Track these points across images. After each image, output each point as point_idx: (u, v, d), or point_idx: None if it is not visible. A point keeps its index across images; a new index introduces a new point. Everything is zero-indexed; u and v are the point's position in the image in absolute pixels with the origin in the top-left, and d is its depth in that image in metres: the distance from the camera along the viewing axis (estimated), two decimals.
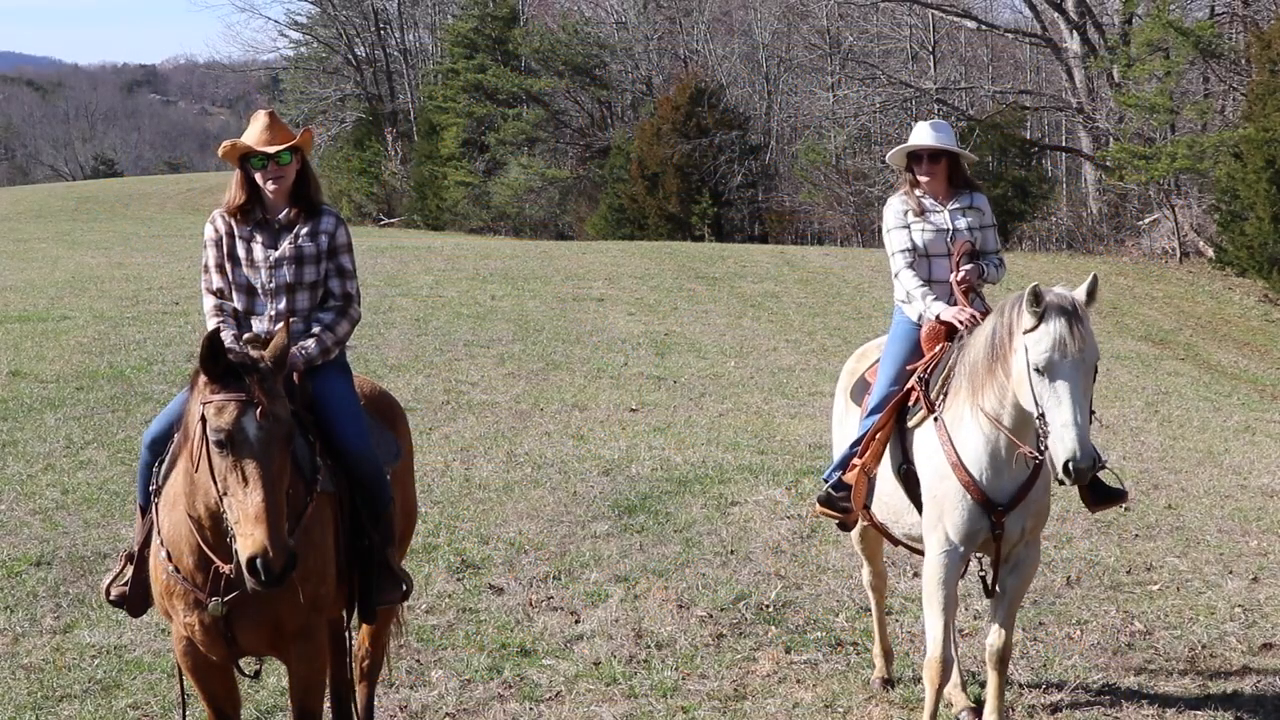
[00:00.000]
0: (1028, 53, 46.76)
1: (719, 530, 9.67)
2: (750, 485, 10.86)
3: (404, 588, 5.63)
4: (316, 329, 5.53)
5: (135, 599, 5.45)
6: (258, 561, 4.51)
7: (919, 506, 6.22)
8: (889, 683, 7.03)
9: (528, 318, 19.79)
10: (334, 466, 5.37)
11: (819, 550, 9.23)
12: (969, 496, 5.92)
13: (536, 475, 11.08)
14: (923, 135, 6.58)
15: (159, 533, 5.11)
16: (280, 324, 4.99)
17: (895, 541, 6.74)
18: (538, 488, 10.71)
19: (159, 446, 5.28)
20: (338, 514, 5.36)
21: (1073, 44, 38.97)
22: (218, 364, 4.72)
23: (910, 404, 6.29)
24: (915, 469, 6.22)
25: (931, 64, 45.78)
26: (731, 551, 9.18)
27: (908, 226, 6.53)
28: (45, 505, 9.94)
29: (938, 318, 6.29)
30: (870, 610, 7.32)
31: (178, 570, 5.00)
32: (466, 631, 7.67)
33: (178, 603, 5.04)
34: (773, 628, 7.78)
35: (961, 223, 6.51)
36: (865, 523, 6.76)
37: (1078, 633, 7.77)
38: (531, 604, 8.12)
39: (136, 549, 5.43)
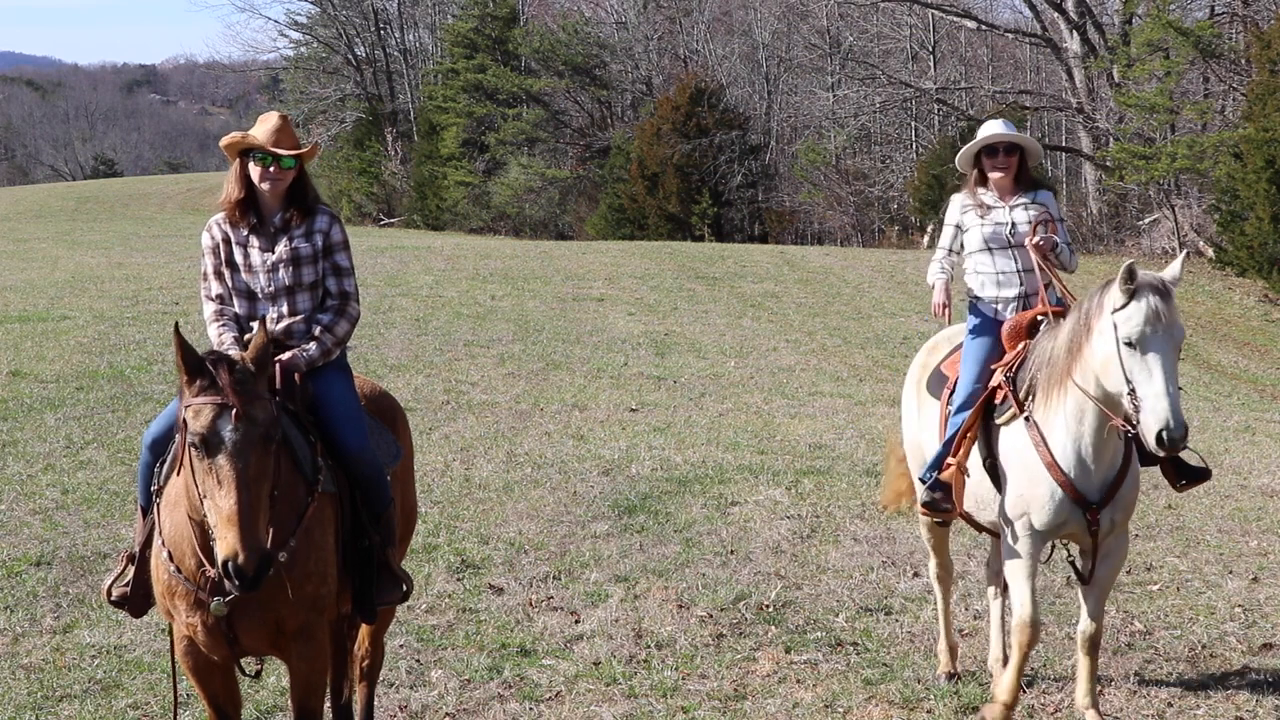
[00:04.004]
0: (1028, 53, 46.77)
1: (719, 530, 9.67)
2: (750, 485, 10.86)
3: (404, 588, 5.63)
4: (316, 330, 5.52)
5: (136, 599, 5.45)
6: (229, 565, 4.53)
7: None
8: (954, 677, 7.05)
9: (528, 318, 19.79)
10: (334, 467, 5.37)
11: (819, 550, 9.24)
12: (1063, 495, 6.04)
13: (536, 475, 11.08)
14: (997, 128, 6.69)
15: (161, 533, 5.11)
16: (259, 327, 4.98)
17: (979, 528, 6.84)
18: (538, 488, 10.71)
19: (160, 447, 5.28)
20: (338, 514, 5.36)
21: (1073, 44, 38.97)
22: (189, 361, 4.73)
23: (998, 402, 6.34)
24: (1001, 464, 6.29)
25: (931, 64, 45.80)
26: (731, 551, 9.18)
27: (959, 225, 6.73)
28: (45, 505, 9.94)
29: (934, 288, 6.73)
30: (935, 602, 7.37)
31: (179, 571, 5.00)
32: (466, 631, 7.67)
33: (180, 603, 5.04)
34: (773, 628, 7.78)
35: (1021, 215, 6.62)
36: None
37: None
38: (531, 604, 8.12)
39: (137, 549, 5.43)
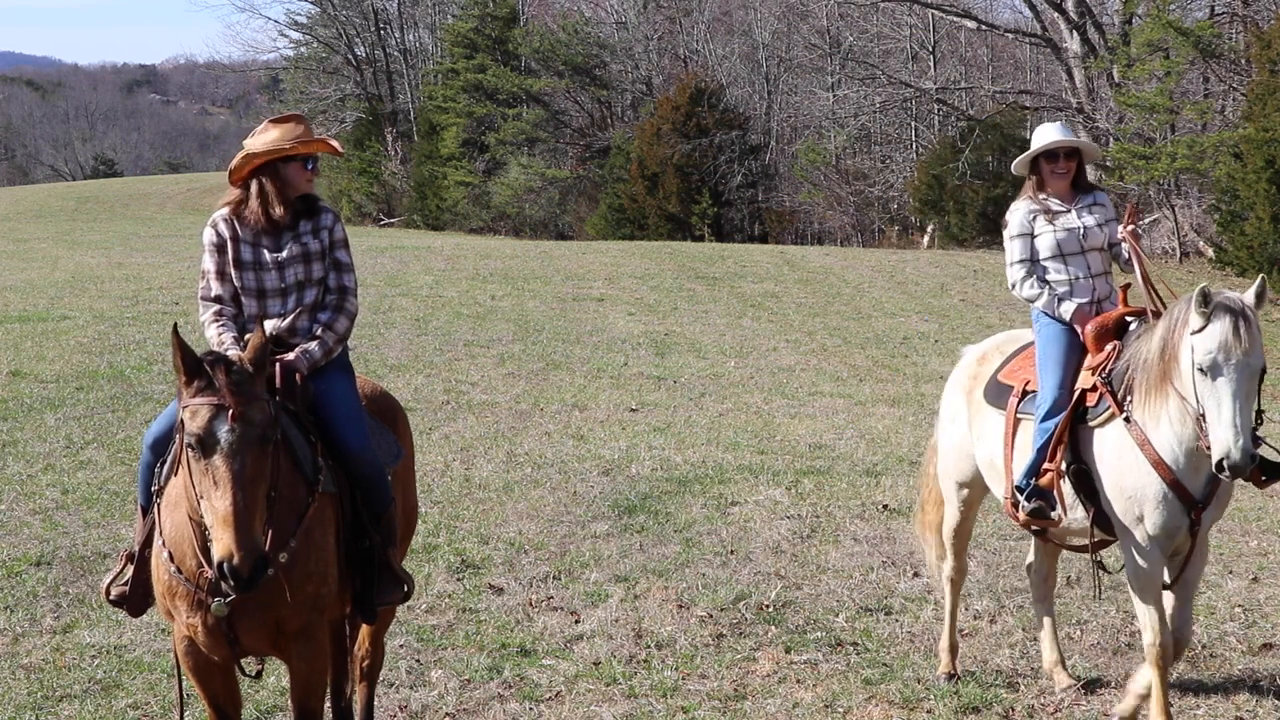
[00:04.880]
0: (1028, 53, 46.73)
1: (719, 530, 9.67)
2: (750, 485, 10.86)
3: (405, 588, 5.63)
4: (317, 329, 5.53)
5: (135, 599, 5.45)
6: (224, 566, 4.54)
7: (1086, 505, 6.27)
8: (954, 677, 7.03)
9: (528, 318, 19.80)
10: (335, 467, 5.37)
11: (819, 550, 9.24)
12: (1173, 495, 5.99)
13: (536, 475, 11.08)
14: (1055, 133, 6.62)
15: (161, 533, 5.11)
16: (257, 327, 4.99)
17: (1046, 539, 6.78)
18: (538, 488, 10.71)
19: (161, 446, 5.28)
20: (339, 514, 5.36)
21: (1073, 44, 38.95)
22: (187, 362, 4.74)
23: (1090, 404, 6.28)
24: (1092, 468, 6.23)
25: (931, 64, 45.77)
26: (731, 551, 9.18)
27: (1032, 234, 6.60)
28: (45, 505, 9.94)
29: (1070, 320, 6.42)
30: (943, 603, 7.31)
31: (180, 571, 5.01)
32: (466, 631, 7.67)
33: (180, 603, 5.05)
34: (773, 628, 7.78)
35: (1090, 219, 6.57)
36: (1019, 522, 6.66)
37: (1078, 633, 7.77)
38: (531, 604, 8.12)
39: (137, 549, 5.43)
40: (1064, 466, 6.31)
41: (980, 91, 42.61)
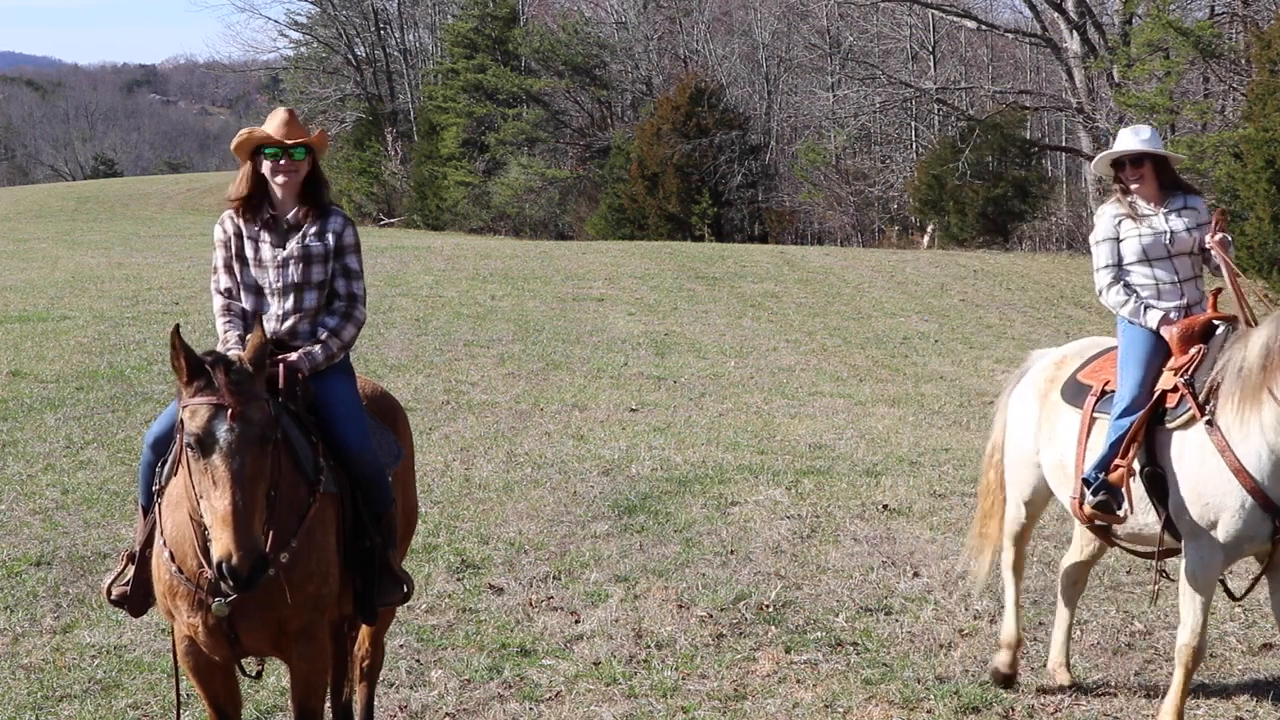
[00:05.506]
0: (1028, 53, 46.76)
1: (719, 530, 9.67)
2: (750, 485, 10.86)
3: (405, 589, 5.63)
4: (322, 334, 5.52)
5: (136, 599, 5.45)
6: (223, 566, 4.54)
7: (1158, 510, 6.21)
8: (1011, 680, 6.91)
9: (528, 318, 19.80)
10: (336, 467, 5.37)
11: (819, 550, 9.24)
12: (1253, 502, 5.93)
13: (536, 475, 11.08)
14: (1125, 141, 6.53)
15: (162, 533, 5.11)
16: (256, 327, 4.99)
17: (1111, 542, 6.71)
18: (538, 488, 10.71)
19: (162, 446, 5.28)
20: (340, 515, 5.36)
21: (1073, 44, 38.95)
22: (187, 362, 4.74)
23: (1171, 406, 6.21)
24: (1167, 470, 6.17)
25: (931, 64, 45.79)
26: (731, 551, 9.18)
27: (1118, 238, 6.51)
28: (45, 505, 9.94)
29: (1156, 329, 6.34)
30: (1004, 595, 7.18)
31: (181, 571, 5.00)
32: (466, 631, 7.67)
33: (181, 603, 5.04)
34: (773, 628, 7.78)
35: (1178, 223, 6.46)
36: (1083, 522, 6.62)
37: (1078, 633, 7.76)
38: (531, 604, 8.12)
39: (138, 549, 5.43)
40: (1136, 467, 6.24)
41: (980, 91, 42.63)
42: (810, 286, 25.01)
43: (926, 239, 40.33)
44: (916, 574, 8.70)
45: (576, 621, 7.84)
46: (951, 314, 22.46)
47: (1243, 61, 33.31)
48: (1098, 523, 6.52)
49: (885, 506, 10.27)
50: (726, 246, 34.95)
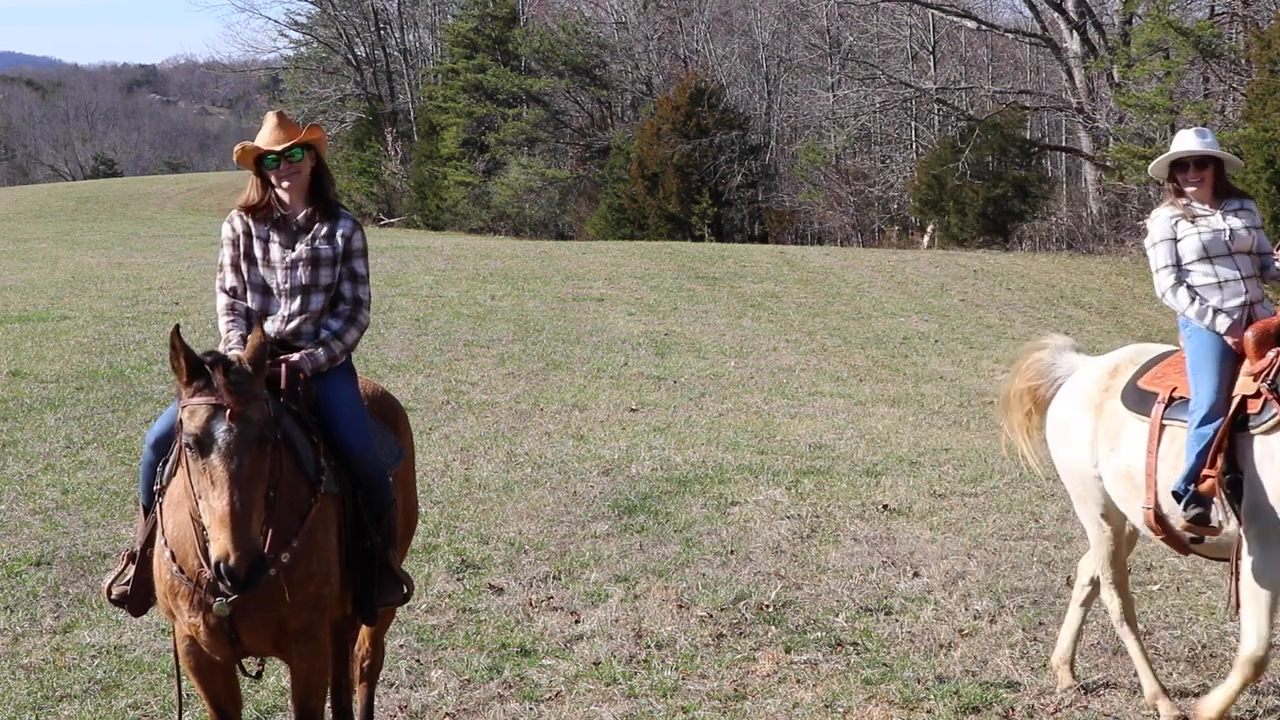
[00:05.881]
0: (1028, 53, 46.77)
1: (719, 530, 9.67)
2: (750, 485, 10.86)
3: (405, 589, 5.64)
4: (325, 335, 5.53)
5: (136, 598, 5.45)
6: (221, 566, 4.55)
7: (1237, 516, 6.11)
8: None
9: (528, 318, 19.80)
10: (337, 467, 5.38)
11: (819, 550, 9.24)
12: None
13: (536, 475, 11.09)
14: (1189, 142, 6.44)
15: (163, 533, 5.12)
16: (256, 327, 4.99)
17: (1187, 551, 6.59)
18: (538, 488, 10.72)
19: (163, 446, 5.28)
20: (341, 515, 5.36)
21: (1073, 44, 38.98)
22: (187, 362, 4.75)
23: (1253, 411, 6.09)
24: (1250, 476, 6.06)
25: (931, 64, 45.80)
26: (731, 551, 9.18)
27: (1175, 239, 6.43)
28: (45, 505, 9.94)
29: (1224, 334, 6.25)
30: (1128, 647, 6.95)
31: (182, 571, 5.01)
32: (466, 631, 7.67)
33: (182, 603, 5.05)
34: (773, 628, 7.78)
35: (1236, 222, 6.40)
36: (1159, 535, 6.50)
37: None
38: (531, 604, 8.12)
39: (138, 548, 5.43)
40: (1220, 475, 6.11)
41: (980, 91, 42.65)
42: (810, 286, 25.01)
43: (926, 239, 40.33)
44: (916, 574, 8.70)
45: (576, 621, 7.84)
46: (951, 314, 22.46)
47: (1243, 61, 33.32)
48: (1190, 536, 6.35)
49: (885, 506, 10.27)
50: (726, 246, 34.96)
